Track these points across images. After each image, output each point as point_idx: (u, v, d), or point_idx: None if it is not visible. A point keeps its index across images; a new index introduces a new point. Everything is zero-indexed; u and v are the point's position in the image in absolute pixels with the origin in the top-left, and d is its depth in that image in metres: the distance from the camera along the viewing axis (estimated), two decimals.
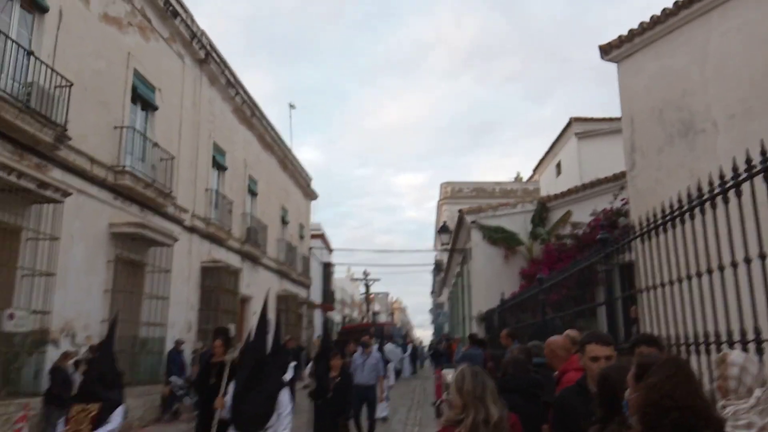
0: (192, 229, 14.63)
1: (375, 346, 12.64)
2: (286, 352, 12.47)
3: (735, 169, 3.05)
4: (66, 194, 9.36)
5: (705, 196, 3.36)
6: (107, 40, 11.25)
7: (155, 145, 12.58)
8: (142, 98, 12.58)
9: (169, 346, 12.47)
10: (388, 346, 25.41)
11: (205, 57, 15.27)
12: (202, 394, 6.28)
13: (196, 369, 11.59)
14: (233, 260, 16.96)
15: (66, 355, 9.21)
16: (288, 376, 9.78)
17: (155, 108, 13.03)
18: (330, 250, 34.84)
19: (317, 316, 29.81)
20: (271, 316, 21.04)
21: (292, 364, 11.25)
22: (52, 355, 9.15)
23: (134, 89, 12.11)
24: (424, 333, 79.74)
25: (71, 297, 9.82)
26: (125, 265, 11.48)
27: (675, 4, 7.56)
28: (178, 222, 13.86)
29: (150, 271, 12.20)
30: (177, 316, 13.41)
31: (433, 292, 44.99)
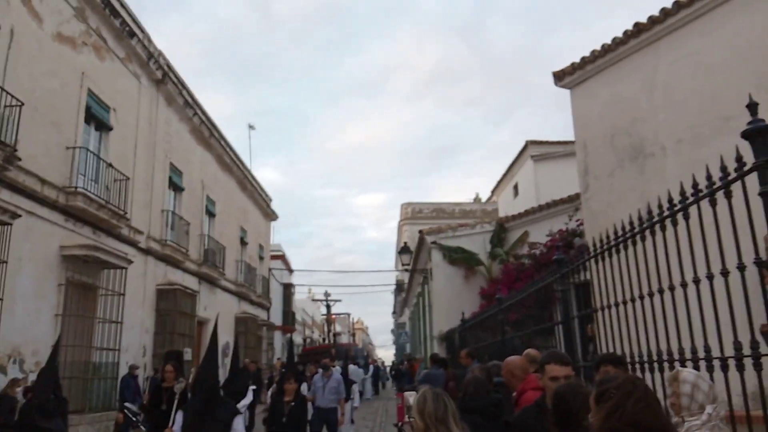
0: (147, 251, 14.31)
1: (337, 368, 12.45)
2: (246, 375, 12.22)
3: (683, 193, 3.19)
4: (14, 216, 9.05)
5: (655, 219, 3.50)
6: (61, 59, 11.02)
7: (109, 165, 12.31)
8: (96, 118, 12.32)
9: (123, 371, 12.08)
10: (352, 368, 25.26)
11: (162, 77, 15.10)
12: (153, 421, 6.14)
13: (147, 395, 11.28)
14: (190, 282, 16.62)
15: (14, 382, 8.81)
16: (247, 400, 9.55)
17: (110, 128, 12.77)
18: (290, 271, 34.50)
19: (277, 338, 29.38)
20: (230, 339, 20.74)
21: (252, 387, 10.99)
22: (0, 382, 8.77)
23: (88, 109, 11.86)
24: (385, 353, 79.44)
25: (19, 322, 9.44)
26: (77, 288, 11.13)
27: (625, 33, 7.88)
28: (133, 244, 13.54)
29: (103, 295, 11.84)
30: (131, 341, 13.03)
31: (394, 313, 44.96)
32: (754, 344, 2.71)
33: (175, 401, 5.43)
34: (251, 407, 11.09)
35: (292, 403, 6.89)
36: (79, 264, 11.08)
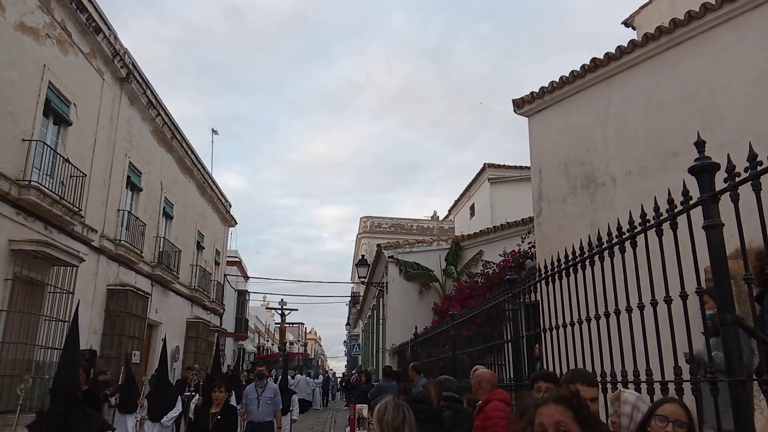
0: (100, 250, 13.99)
1: (271, 378, 11.82)
2: (181, 383, 11.73)
3: (631, 222, 3.33)
4: None
5: (604, 245, 3.68)
6: (21, 50, 10.76)
7: (66, 161, 12.03)
8: (56, 112, 12.04)
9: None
10: (299, 377, 25.05)
11: (127, 76, 14.86)
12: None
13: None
14: (143, 284, 16.28)
15: None
16: (174, 412, 8.92)
17: (69, 123, 12.49)
18: (246, 278, 34.10)
19: (229, 345, 28.94)
20: (180, 343, 20.32)
21: (191, 394, 10.19)
22: None
23: (47, 102, 11.58)
24: (337, 364, 78.96)
25: None
26: (24, 284, 10.80)
27: (582, 67, 8.23)
28: (86, 242, 13.22)
29: (51, 292, 11.52)
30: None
31: (348, 324, 44.81)
32: (693, 369, 2.87)
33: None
34: (185, 417, 9.93)
35: (219, 416, 6.06)
36: (28, 259, 10.76)
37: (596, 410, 2.73)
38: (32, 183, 10.71)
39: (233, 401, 9.05)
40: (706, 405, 3.34)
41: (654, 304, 3.09)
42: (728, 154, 2.54)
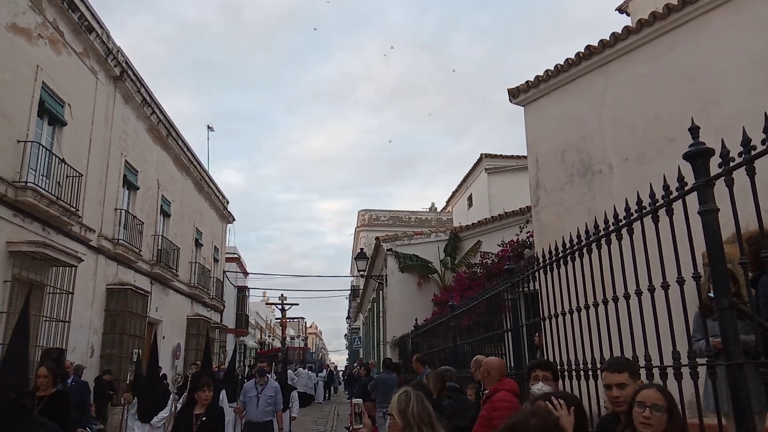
0: (98, 250, 13.98)
1: (272, 375, 11.12)
2: (182, 382, 11.40)
3: (628, 209, 3.34)
4: None
5: (601, 233, 3.69)
6: (14, 50, 10.71)
7: (62, 161, 12.00)
8: (50, 112, 12.01)
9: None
10: (301, 371, 25.13)
11: (120, 74, 14.80)
12: None
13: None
14: (142, 283, 16.29)
15: None
16: (165, 413, 8.30)
17: (64, 123, 12.46)
18: (245, 274, 34.14)
19: (230, 341, 29.02)
20: (181, 341, 20.34)
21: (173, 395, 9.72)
22: None
23: (42, 103, 11.55)
24: (339, 357, 79.30)
25: None
26: (23, 285, 10.79)
27: (577, 55, 8.21)
28: (84, 242, 13.21)
29: (51, 293, 11.53)
30: (78, 341, 12.70)
31: (348, 318, 44.91)
32: (692, 354, 2.86)
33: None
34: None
35: (203, 417, 5.46)
36: (26, 261, 10.76)
37: (626, 395, 2.74)
38: (29, 184, 10.70)
39: (225, 400, 8.59)
40: (706, 389, 3.37)
41: (652, 290, 3.10)
42: (722, 139, 2.54)
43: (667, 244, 2.92)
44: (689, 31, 7.07)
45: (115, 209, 14.89)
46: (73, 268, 11.97)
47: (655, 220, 3.09)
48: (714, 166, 2.64)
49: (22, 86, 10.96)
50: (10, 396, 3.39)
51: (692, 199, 2.75)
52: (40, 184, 11.07)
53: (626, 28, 7.65)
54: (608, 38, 7.79)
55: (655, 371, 3.10)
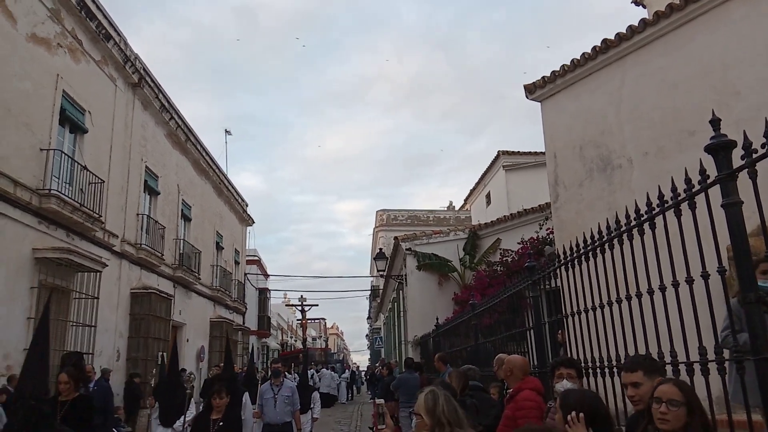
0: (122, 255, 14.19)
1: (295, 375, 10.75)
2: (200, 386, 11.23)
3: (649, 204, 3.30)
4: None
5: (623, 228, 3.65)
6: (35, 60, 10.92)
7: (84, 168, 12.20)
8: (71, 120, 12.21)
9: (96, 375, 11.95)
10: (324, 371, 25.23)
11: (139, 81, 15.01)
12: None
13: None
14: (165, 286, 16.49)
15: None
16: (187, 415, 7.76)
17: (85, 131, 12.67)
18: (266, 276, 34.38)
19: (253, 343, 29.30)
20: (204, 343, 20.53)
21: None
22: None
23: (62, 111, 11.75)
24: (361, 358, 79.45)
25: None
26: (50, 291, 10.99)
27: (593, 49, 8.13)
28: (107, 247, 13.42)
29: (76, 298, 11.72)
30: (105, 345, 12.91)
31: (369, 318, 44.98)
32: (719, 349, 2.81)
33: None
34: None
35: (221, 422, 5.41)
36: (52, 267, 10.96)
37: (642, 394, 2.71)
38: (52, 191, 10.89)
39: (248, 403, 8.62)
40: (734, 384, 3.32)
41: (676, 285, 3.06)
42: (744, 131, 2.51)
43: (690, 239, 2.88)
44: (707, 22, 6.96)
45: (137, 214, 15.09)
46: (98, 274, 12.17)
47: (678, 215, 3.05)
48: (736, 158, 2.61)
49: (43, 95, 11.16)
50: (29, 402, 3.36)
51: (715, 192, 2.71)
52: (63, 192, 11.27)
53: (643, 20, 7.56)
54: (625, 31, 7.70)
55: (681, 367, 3.06)
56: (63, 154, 11.63)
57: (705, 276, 2.83)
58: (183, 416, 7.38)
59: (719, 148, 2.64)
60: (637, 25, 7.59)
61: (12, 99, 10.17)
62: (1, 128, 9.65)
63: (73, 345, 11.39)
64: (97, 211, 12.35)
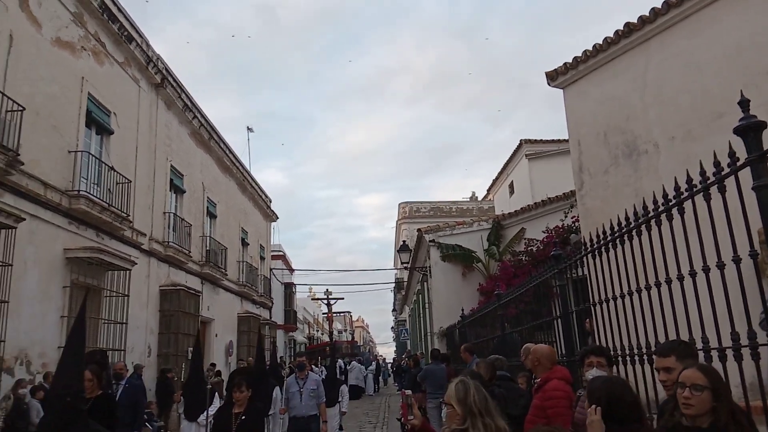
0: (150, 253, 14.43)
1: (321, 367, 10.63)
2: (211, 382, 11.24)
3: (677, 188, 3.21)
4: (19, 219, 9.17)
5: (651, 214, 3.59)
6: (60, 64, 11.12)
7: (111, 169, 12.42)
8: (97, 122, 12.43)
9: (128, 371, 12.20)
10: (354, 364, 25.39)
11: (162, 81, 15.20)
12: None
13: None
14: (193, 283, 16.74)
15: (19, 383, 8.92)
16: (211, 409, 7.66)
17: (111, 132, 12.89)
18: (291, 271, 34.66)
19: (280, 337, 29.61)
20: (233, 338, 20.84)
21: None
22: (6, 383, 8.88)
23: (89, 113, 11.97)
24: (387, 350, 79.79)
25: (25, 324, 9.57)
26: (82, 290, 11.22)
27: (616, 33, 7.99)
28: (136, 246, 13.65)
29: (107, 296, 11.97)
30: (136, 341, 13.17)
31: (394, 310, 45.09)
32: (752, 335, 2.73)
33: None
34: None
35: (243, 416, 5.37)
36: (83, 266, 11.20)
37: (674, 379, 2.67)
38: (81, 192, 11.12)
39: (278, 396, 8.47)
40: None
41: (706, 270, 3.00)
42: None
43: (720, 223, 2.83)
44: (732, 1, 6.79)
45: (164, 213, 15.32)
46: (128, 272, 12.41)
47: (707, 198, 2.98)
48: (766, 139, 2.55)
49: (70, 98, 11.37)
50: (65, 399, 3.35)
51: (745, 175, 2.66)
52: (92, 192, 11.49)
53: (666, 2, 7.40)
54: (648, 14, 7.56)
55: (714, 353, 3.01)
56: (90, 156, 11.85)
57: (737, 260, 2.76)
58: (206, 410, 7.49)
59: (749, 129, 2.58)
60: (660, 7, 7.44)
61: (40, 103, 10.39)
62: (30, 132, 9.86)
63: (106, 342, 11.65)
64: (125, 211, 12.57)
